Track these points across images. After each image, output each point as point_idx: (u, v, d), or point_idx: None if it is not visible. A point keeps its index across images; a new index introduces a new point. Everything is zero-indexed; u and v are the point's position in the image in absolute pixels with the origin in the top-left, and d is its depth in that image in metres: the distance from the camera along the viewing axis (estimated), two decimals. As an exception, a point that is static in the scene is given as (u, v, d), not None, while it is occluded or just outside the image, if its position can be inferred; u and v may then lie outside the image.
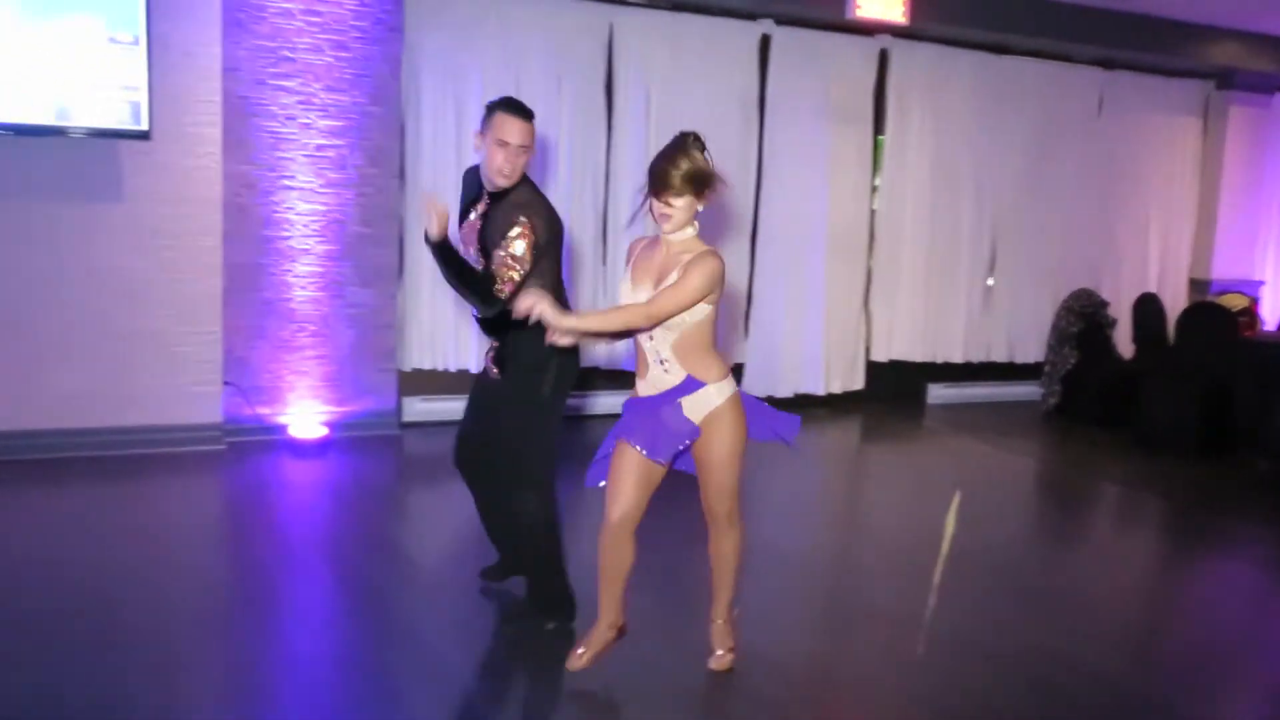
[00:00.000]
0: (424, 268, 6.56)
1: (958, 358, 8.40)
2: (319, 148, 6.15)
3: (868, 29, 7.64)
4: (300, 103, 6.08)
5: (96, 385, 5.70)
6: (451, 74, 6.54)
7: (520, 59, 6.69)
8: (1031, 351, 8.59)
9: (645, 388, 3.31)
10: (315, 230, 6.20)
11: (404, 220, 6.50)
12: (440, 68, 6.52)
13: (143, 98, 5.45)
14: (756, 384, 7.70)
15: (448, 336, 6.73)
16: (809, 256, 7.73)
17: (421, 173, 6.52)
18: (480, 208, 3.64)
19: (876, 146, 7.95)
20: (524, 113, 3.54)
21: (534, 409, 3.65)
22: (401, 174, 6.45)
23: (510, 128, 3.48)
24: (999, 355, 8.59)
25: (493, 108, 3.59)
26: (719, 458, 3.30)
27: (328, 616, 3.98)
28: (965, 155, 8.18)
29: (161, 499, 5.23)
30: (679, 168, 3.13)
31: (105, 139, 5.53)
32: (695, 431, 3.25)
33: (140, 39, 5.40)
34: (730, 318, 7.54)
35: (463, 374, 6.77)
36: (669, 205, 3.15)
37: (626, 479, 3.25)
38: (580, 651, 3.41)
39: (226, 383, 6.01)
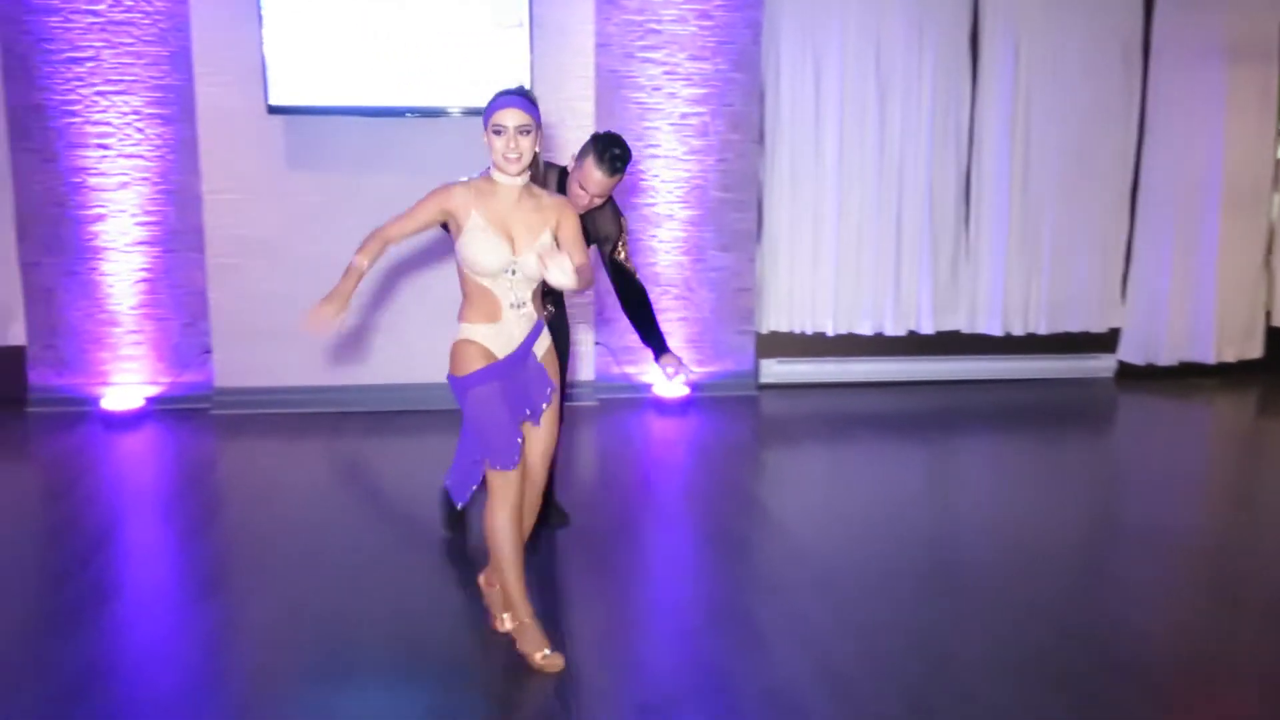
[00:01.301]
0: (782, 231, 6.63)
1: (1385, 323, 7.40)
2: (683, 116, 6.35)
3: (1276, -46, 6.85)
4: (666, 73, 6.30)
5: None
6: (811, 35, 6.51)
7: (881, 15, 6.54)
8: None
9: (498, 341, 3.11)
10: (678, 196, 6.42)
11: (763, 185, 6.57)
12: (800, 30, 6.50)
13: (525, 77, 5.85)
14: (1135, 351, 7.16)
15: (804, 300, 6.75)
16: (1199, 210, 7.06)
17: (781, 137, 6.55)
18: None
19: (1283, 87, 7.11)
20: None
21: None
22: (761, 139, 6.53)
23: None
24: None
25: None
26: (554, 400, 3.28)
27: (697, 565, 4.14)
28: (1396, 91, 7.14)
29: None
30: (530, 99, 3.02)
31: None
32: (553, 385, 3.23)
33: (524, 22, 5.79)
34: (1106, 279, 7.04)
35: (818, 337, 6.79)
36: (520, 143, 2.98)
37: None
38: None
39: (597, 343, 6.37)
